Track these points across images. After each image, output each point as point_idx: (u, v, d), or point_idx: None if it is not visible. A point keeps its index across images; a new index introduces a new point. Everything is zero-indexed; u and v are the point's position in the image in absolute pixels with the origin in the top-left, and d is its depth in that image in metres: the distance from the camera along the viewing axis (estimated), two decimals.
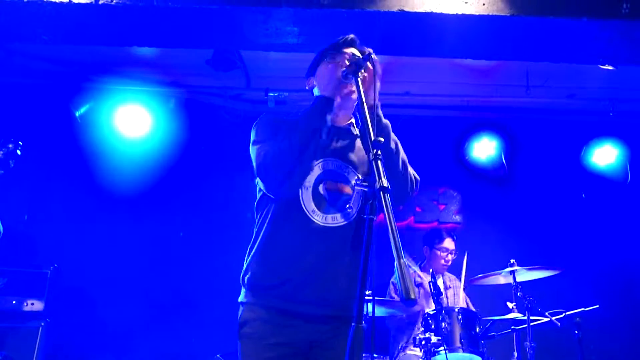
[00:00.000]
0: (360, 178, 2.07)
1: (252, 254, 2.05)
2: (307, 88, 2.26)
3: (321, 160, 2.04)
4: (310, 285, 1.95)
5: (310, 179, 2.00)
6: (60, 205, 5.08)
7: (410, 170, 2.24)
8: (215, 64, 4.52)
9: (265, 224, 2.03)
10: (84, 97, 4.97)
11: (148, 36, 3.43)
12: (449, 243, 4.58)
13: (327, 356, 1.97)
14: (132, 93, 5.06)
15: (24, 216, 5.08)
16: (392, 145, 2.10)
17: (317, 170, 2.02)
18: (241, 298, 2.06)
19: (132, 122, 5.08)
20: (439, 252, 4.56)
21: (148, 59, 4.72)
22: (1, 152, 3.38)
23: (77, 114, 4.93)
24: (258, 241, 2.04)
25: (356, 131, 2.22)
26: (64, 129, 5.08)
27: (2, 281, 4.30)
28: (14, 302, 4.29)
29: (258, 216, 2.11)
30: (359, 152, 2.15)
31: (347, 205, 2.02)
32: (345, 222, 2.01)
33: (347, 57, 2.08)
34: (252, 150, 2.06)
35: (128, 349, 4.72)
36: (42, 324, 4.28)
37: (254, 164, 2.02)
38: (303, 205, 1.98)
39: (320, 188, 2.00)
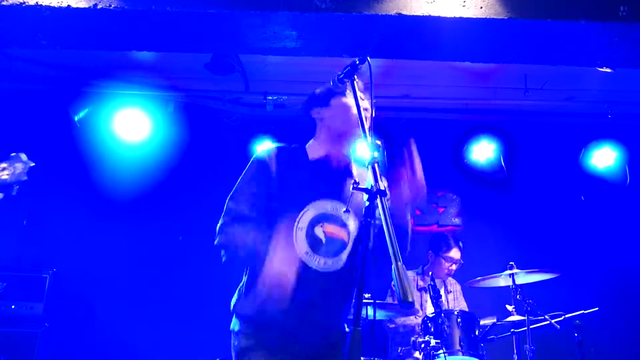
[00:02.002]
0: (356, 223, 2.05)
1: (243, 287, 2.07)
2: (314, 116, 2.21)
3: (316, 201, 2.02)
4: (296, 328, 1.96)
5: (305, 220, 1.99)
6: (59, 209, 5.08)
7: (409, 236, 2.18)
8: (214, 68, 4.53)
9: (258, 260, 1.98)
10: (82, 101, 4.98)
11: (147, 40, 3.43)
12: (455, 252, 4.57)
13: None
14: (130, 97, 5.06)
15: (23, 221, 5.07)
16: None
17: (311, 212, 2.00)
18: (233, 326, 2.07)
19: (131, 127, 5.08)
20: (443, 261, 4.56)
21: (147, 64, 4.73)
22: (7, 172, 2.69)
23: (76, 118, 4.93)
24: (249, 275, 2.06)
25: (355, 172, 2.18)
26: (62, 134, 5.08)
27: (1, 286, 4.29)
28: (13, 306, 4.28)
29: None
30: (355, 195, 2.02)
31: (342, 253, 2.01)
32: (338, 268, 2.00)
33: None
34: (227, 201, 2.06)
35: (127, 353, 4.71)
36: (41, 328, 4.27)
37: (221, 217, 2.04)
38: (296, 246, 1.96)
39: (317, 230, 1.98)
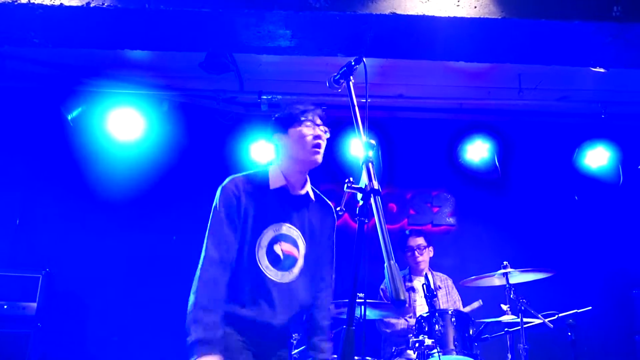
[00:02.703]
0: (306, 244, 2.41)
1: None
2: (275, 143, 2.46)
3: (277, 223, 2.36)
4: (257, 324, 2.27)
5: (266, 240, 2.33)
6: (52, 209, 5.06)
7: None
8: (208, 67, 4.52)
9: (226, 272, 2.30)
10: (76, 100, 4.94)
11: (140, 39, 3.41)
12: (411, 241, 4.64)
13: None
14: (124, 96, 5.04)
15: (16, 220, 5.05)
16: None
17: (271, 233, 2.34)
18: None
19: (124, 126, 5.06)
20: (408, 253, 4.61)
21: (140, 62, 4.71)
22: None
23: (69, 117, 4.91)
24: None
25: (312, 197, 2.47)
26: (55, 133, 5.05)
27: None
28: (6, 306, 4.26)
29: None
30: (308, 219, 2.44)
31: (294, 267, 2.36)
32: (291, 279, 2.35)
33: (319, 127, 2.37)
34: (207, 236, 2.34)
35: (119, 353, 4.70)
36: (34, 328, 4.25)
37: (204, 254, 2.30)
38: (258, 261, 2.30)
39: (276, 248, 2.34)
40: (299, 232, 2.41)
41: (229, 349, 2.19)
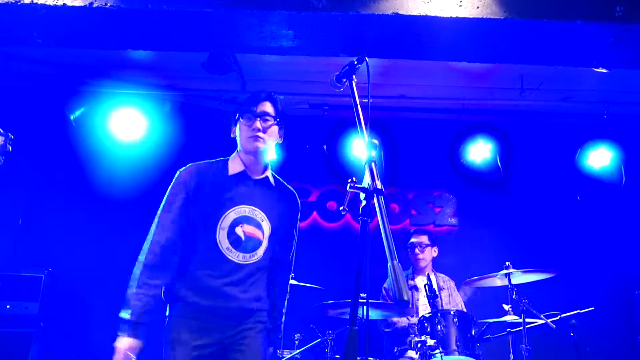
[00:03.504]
0: (270, 225, 2.46)
1: (173, 276, 2.41)
2: (231, 136, 2.59)
3: (237, 206, 2.41)
4: (220, 307, 2.34)
5: (227, 222, 2.37)
6: (54, 209, 5.07)
7: None
8: (211, 67, 4.52)
9: (186, 255, 2.39)
10: (78, 100, 4.96)
11: (143, 39, 3.41)
12: (414, 238, 4.64)
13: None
14: (127, 96, 5.05)
15: (19, 220, 5.06)
16: None
17: (232, 215, 2.39)
18: (167, 313, 2.43)
19: (127, 126, 5.07)
20: (409, 251, 4.62)
21: (143, 63, 4.72)
22: None
23: (71, 117, 4.92)
24: (177, 267, 2.40)
25: (272, 182, 2.56)
26: (58, 133, 5.07)
27: None
28: (8, 306, 4.27)
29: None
30: (270, 201, 2.51)
31: (258, 249, 2.42)
32: (254, 260, 2.40)
33: (260, 117, 2.45)
34: (156, 217, 2.46)
35: None
36: (36, 328, 4.26)
37: (149, 239, 2.47)
38: (219, 243, 2.35)
39: (238, 230, 2.38)
40: (264, 215, 2.45)
41: (182, 333, 2.30)
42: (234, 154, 2.57)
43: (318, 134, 5.35)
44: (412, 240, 4.68)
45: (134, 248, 4.96)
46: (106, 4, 3.04)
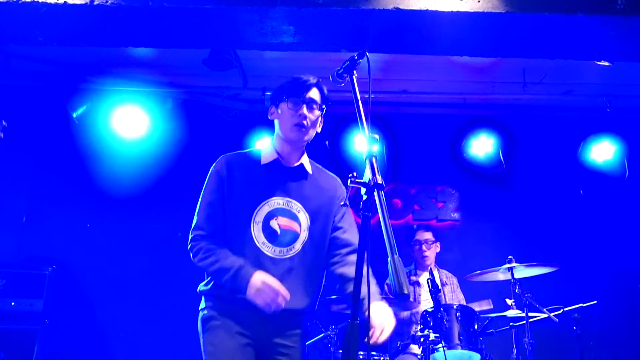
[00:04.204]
0: (308, 216, 2.32)
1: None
2: (269, 117, 2.43)
3: (271, 198, 2.29)
4: (255, 309, 2.15)
5: (261, 215, 2.26)
6: (58, 206, 5.09)
7: None
8: (212, 63, 4.52)
9: None
10: (80, 98, 4.97)
11: (144, 37, 3.42)
12: (419, 235, 4.64)
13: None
14: (129, 94, 5.06)
15: (22, 218, 5.08)
16: None
17: (266, 208, 2.28)
18: (200, 306, 2.32)
19: (129, 123, 5.08)
20: (415, 247, 4.62)
21: (144, 60, 4.72)
22: None
23: (74, 115, 4.93)
24: None
25: (309, 169, 2.42)
26: (61, 131, 5.08)
27: (1, 283, 4.30)
28: (13, 303, 4.29)
29: None
30: (307, 190, 2.37)
31: (295, 242, 2.29)
32: (292, 255, 2.27)
33: (307, 104, 2.30)
34: (198, 208, 2.36)
35: (127, 349, 4.73)
36: (41, 325, 4.28)
37: (193, 222, 2.32)
38: (254, 238, 2.24)
39: (272, 223, 2.27)
40: (300, 205, 2.32)
41: (219, 337, 2.18)
42: (268, 141, 2.46)
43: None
44: (417, 237, 4.66)
45: (137, 244, 5.02)
46: (107, 2, 3.04)
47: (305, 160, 2.42)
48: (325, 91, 2.37)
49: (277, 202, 2.30)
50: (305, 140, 2.35)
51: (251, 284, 2.09)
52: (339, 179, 2.50)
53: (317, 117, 2.34)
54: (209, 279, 2.32)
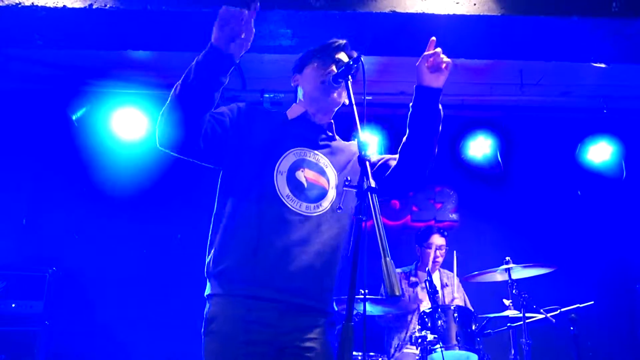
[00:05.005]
0: (337, 174, 2.05)
1: (218, 239, 1.97)
2: (292, 85, 2.25)
3: (298, 147, 2.03)
4: (281, 271, 1.86)
5: (286, 165, 1.97)
6: (58, 208, 5.10)
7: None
8: None
9: (233, 206, 1.95)
10: (80, 100, 4.99)
11: (142, 40, 3.45)
12: (436, 239, 4.63)
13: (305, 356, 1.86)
14: (128, 96, 5.08)
15: (22, 220, 5.10)
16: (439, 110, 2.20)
17: (292, 157, 2.00)
18: (207, 291, 1.97)
19: (128, 125, 5.10)
20: (427, 249, 4.61)
21: (143, 62, 4.74)
22: None
23: (73, 117, 4.95)
24: (224, 225, 1.96)
25: (334, 135, 2.21)
26: (60, 133, 5.10)
27: (1, 284, 4.32)
28: (13, 305, 4.31)
29: (223, 199, 2.03)
30: (335, 148, 2.15)
31: (323, 200, 1.98)
32: (319, 213, 1.95)
33: (336, 63, 2.08)
34: None
35: (127, 351, 4.74)
36: (41, 326, 4.30)
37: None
38: (277, 189, 1.92)
39: (299, 174, 1.97)
40: (328, 161, 2.06)
41: (218, 348, 1.84)
42: (292, 105, 2.22)
43: None
44: (433, 241, 4.60)
45: (137, 246, 5.03)
46: (106, 5, 3.07)
47: (332, 122, 2.20)
48: (355, 55, 2.13)
49: (303, 152, 2.03)
50: (332, 99, 2.09)
51: (214, 33, 1.87)
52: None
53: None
54: (209, 238, 2.00)
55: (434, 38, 2.08)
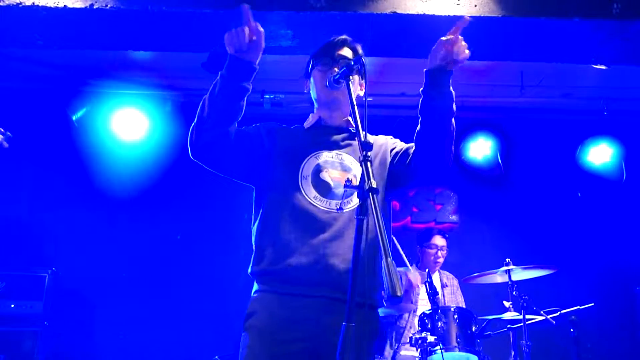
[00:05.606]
0: (355, 175, 2.04)
1: (255, 242, 2.04)
2: (305, 91, 2.29)
3: (319, 151, 2.07)
4: (316, 267, 1.88)
5: (308, 169, 2.02)
6: (57, 208, 5.10)
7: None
8: (211, 67, 4.54)
9: (266, 213, 2.02)
10: (80, 101, 4.99)
11: (143, 40, 3.45)
12: (437, 240, 4.64)
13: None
14: (128, 97, 5.08)
15: (22, 220, 5.09)
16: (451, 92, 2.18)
17: (314, 160, 2.04)
18: (253, 290, 2.02)
19: (128, 126, 5.10)
20: (428, 250, 4.63)
21: (144, 63, 4.74)
22: None
23: (73, 118, 4.95)
24: (259, 230, 2.03)
25: (352, 128, 2.18)
26: (60, 133, 5.09)
27: (1, 285, 4.31)
28: (13, 305, 4.30)
29: (257, 210, 2.08)
30: (355, 148, 2.13)
31: (353, 196, 1.97)
32: (351, 209, 1.97)
33: (337, 62, 2.10)
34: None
35: (127, 351, 4.74)
36: (41, 327, 4.30)
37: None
38: (304, 193, 1.98)
39: (324, 175, 2.01)
40: (352, 158, 2.08)
41: (252, 346, 1.84)
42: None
43: None
44: (435, 242, 4.63)
45: (137, 247, 5.03)
46: (106, 6, 3.07)
47: (349, 119, 2.20)
48: (359, 50, 2.16)
49: (325, 154, 2.06)
50: (339, 100, 2.11)
51: (228, 50, 2.01)
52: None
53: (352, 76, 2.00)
54: (253, 244, 2.03)
55: (462, 23, 2.02)
